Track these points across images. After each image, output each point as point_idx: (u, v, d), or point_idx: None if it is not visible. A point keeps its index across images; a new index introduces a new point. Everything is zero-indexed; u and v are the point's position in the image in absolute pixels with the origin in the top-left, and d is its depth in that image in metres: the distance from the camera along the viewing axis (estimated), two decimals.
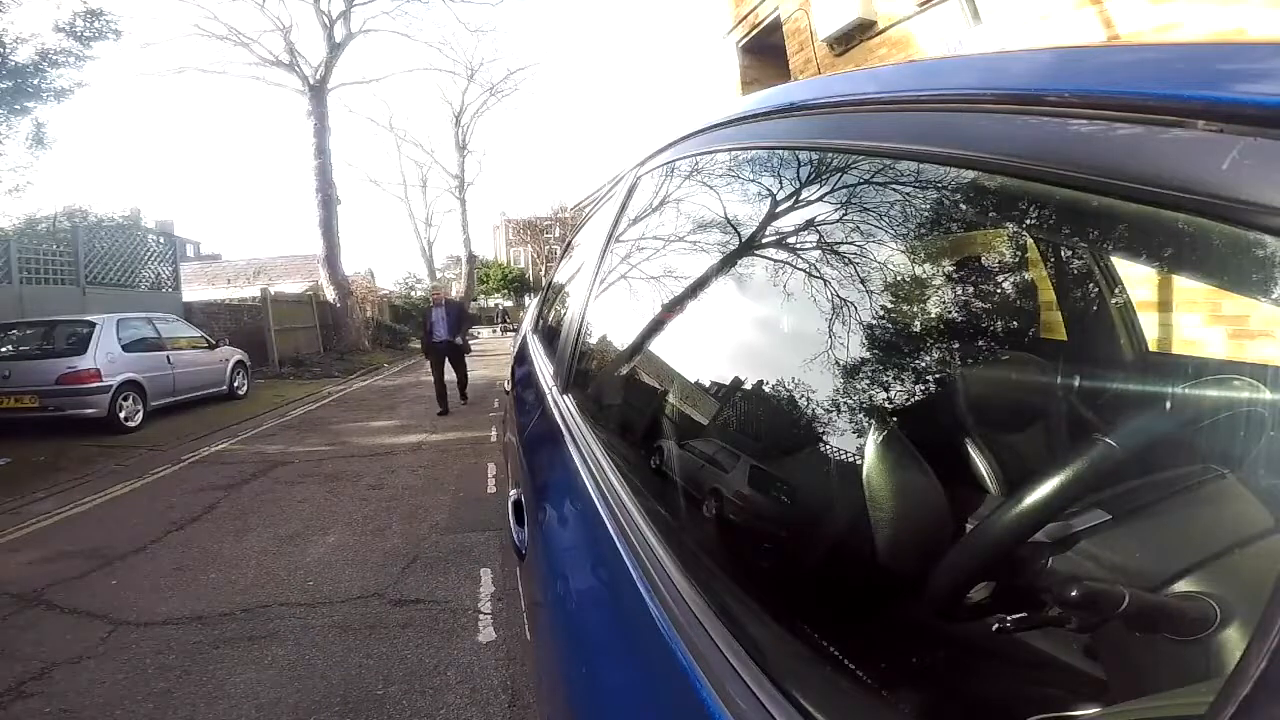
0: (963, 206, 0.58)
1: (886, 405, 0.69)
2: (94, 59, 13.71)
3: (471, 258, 32.30)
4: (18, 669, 2.52)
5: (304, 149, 16.90)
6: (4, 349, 7.66)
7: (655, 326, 1.02)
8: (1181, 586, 0.48)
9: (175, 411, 8.44)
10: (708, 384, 0.88)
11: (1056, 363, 0.86)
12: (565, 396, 1.30)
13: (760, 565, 0.70)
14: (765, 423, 0.78)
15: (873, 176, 0.65)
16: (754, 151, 0.86)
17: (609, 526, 0.78)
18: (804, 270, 0.74)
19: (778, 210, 0.79)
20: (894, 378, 0.68)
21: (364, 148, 77.93)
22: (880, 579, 0.64)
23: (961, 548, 0.57)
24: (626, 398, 1.11)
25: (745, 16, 7.47)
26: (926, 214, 0.62)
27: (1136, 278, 1.17)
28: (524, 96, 71.43)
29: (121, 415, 7.43)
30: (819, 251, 0.74)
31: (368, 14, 21.35)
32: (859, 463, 0.63)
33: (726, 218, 0.91)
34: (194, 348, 9.22)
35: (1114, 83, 0.39)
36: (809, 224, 0.76)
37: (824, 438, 0.69)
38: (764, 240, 0.81)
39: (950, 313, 0.74)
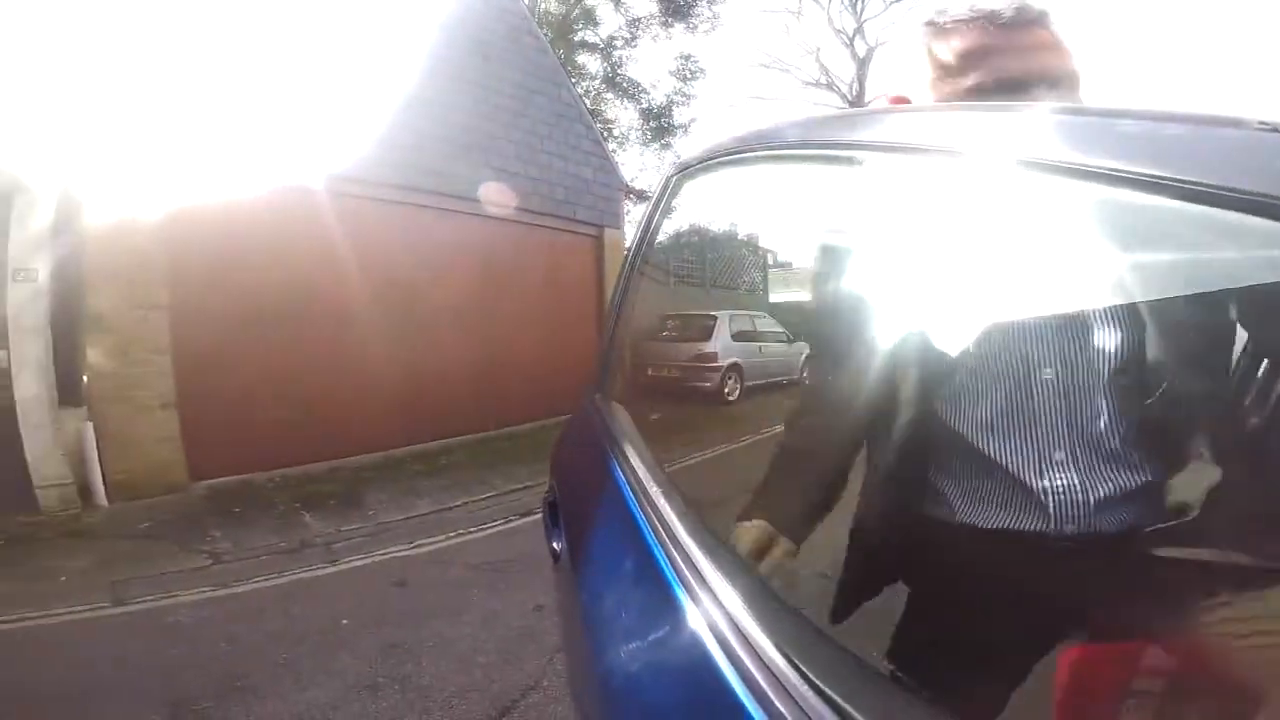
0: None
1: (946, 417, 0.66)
2: (695, 98, 16.30)
3: None
4: None
5: None
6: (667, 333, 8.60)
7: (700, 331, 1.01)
8: None
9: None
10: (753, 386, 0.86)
11: None
12: (607, 402, 1.30)
13: (802, 569, 0.68)
14: (817, 428, 0.76)
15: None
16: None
17: (644, 528, 0.77)
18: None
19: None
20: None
21: None
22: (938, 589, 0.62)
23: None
24: (662, 401, 1.10)
25: None
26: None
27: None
28: None
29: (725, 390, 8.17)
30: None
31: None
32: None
33: (788, 227, 0.89)
34: (775, 341, 9.79)
35: None
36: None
37: (876, 442, 0.67)
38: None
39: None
